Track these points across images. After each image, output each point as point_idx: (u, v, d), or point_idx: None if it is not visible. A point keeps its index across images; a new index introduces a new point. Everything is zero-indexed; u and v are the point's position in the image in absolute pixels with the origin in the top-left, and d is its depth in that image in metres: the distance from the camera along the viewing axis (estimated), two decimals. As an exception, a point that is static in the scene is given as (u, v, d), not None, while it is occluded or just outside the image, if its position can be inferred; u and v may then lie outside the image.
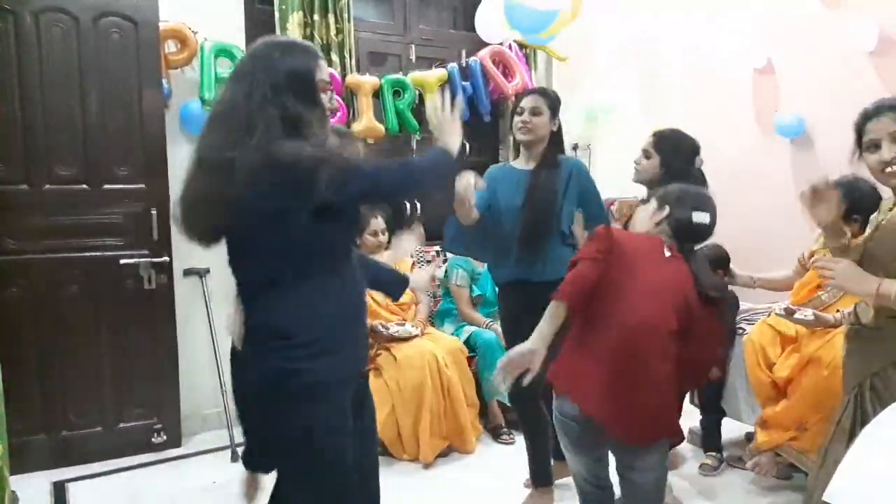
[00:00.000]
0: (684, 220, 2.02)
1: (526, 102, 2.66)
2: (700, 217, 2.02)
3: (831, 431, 2.05)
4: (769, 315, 3.12)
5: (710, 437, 3.27)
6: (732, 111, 4.16)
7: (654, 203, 2.08)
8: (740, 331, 3.21)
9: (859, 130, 1.94)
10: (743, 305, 3.47)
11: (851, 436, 1.93)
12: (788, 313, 2.84)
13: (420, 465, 3.24)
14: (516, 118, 2.67)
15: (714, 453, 3.23)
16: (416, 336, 3.47)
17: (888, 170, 1.86)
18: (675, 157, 2.64)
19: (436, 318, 3.95)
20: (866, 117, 1.92)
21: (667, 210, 2.03)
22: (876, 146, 1.88)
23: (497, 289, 2.97)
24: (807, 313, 2.81)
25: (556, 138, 2.72)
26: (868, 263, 1.89)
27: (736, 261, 3.20)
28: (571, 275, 1.89)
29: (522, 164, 2.75)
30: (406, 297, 3.40)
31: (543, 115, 2.65)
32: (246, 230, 1.57)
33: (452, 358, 3.45)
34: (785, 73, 3.92)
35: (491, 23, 4.01)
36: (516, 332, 2.57)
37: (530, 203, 2.61)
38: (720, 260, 3.31)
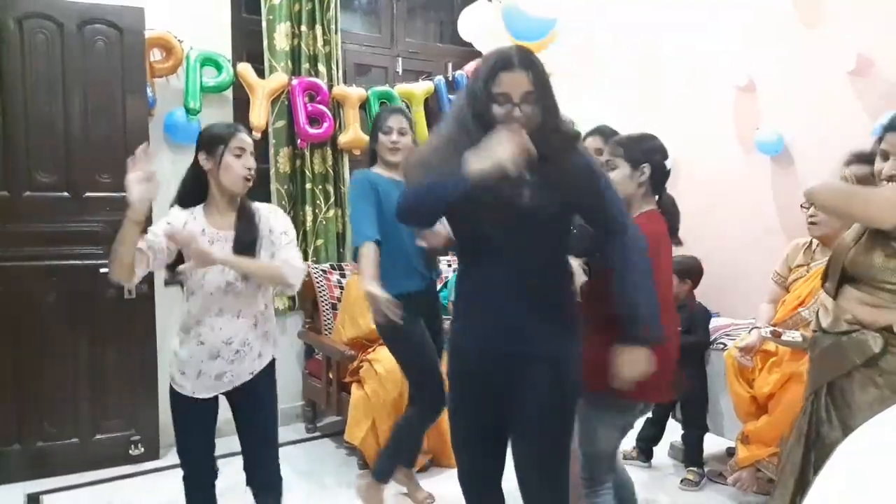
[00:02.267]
0: (662, 167, 2.16)
1: (393, 122, 2.72)
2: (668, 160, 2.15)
3: (790, 436, 2.12)
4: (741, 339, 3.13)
5: (691, 453, 3.28)
6: (714, 128, 4.21)
7: (623, 164, 2.14)
8: (721, 346, 3.24)
9: (881, 137, 2.00)
10: (724, 321, 3.50)
11: (807, 440, 2.01)
12: (775, 336, 2.87)
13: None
14: (384, 137, 2.72)
15: (695, 468, 3.24)
16: None
17: (884, 183, 1.93)
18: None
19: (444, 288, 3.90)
20: (889, 128, 1.97)
21: (648, 168, 2.12)
22: (885, 157, 1.94)
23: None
24: (794, 335, 2.84)
25: None
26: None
27: (715, 277, 3.23)
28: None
29: (387, 173, 2.75)
30: None
31: (408, 136, 2.75)
32: None
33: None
34: (766, 92, 3.97)
35: (475, 28, 4.03)
36: (416, 340, 2.69)
37: None
38: (692, 271, 3.35)
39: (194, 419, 2.22)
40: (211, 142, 2.14)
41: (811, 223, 2.90)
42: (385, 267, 2.48)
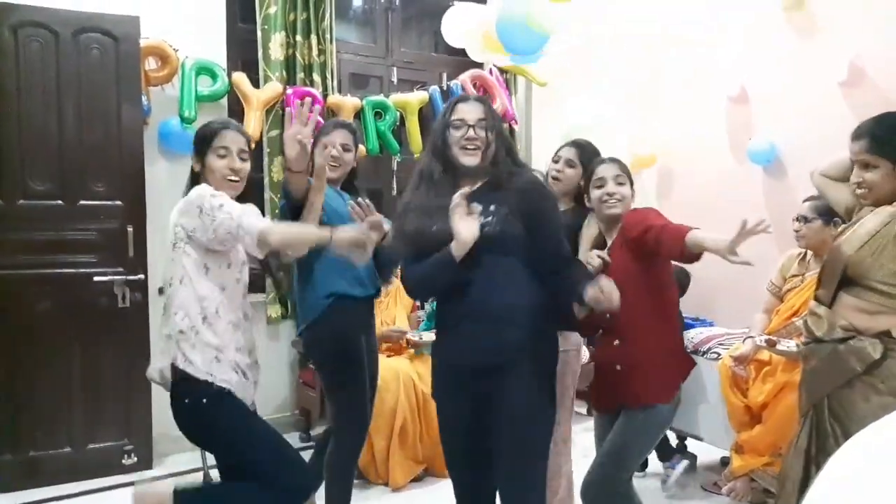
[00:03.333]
0: None
1: (337, 137, 2.54)
2: None
3: (789, 453, 2.10)
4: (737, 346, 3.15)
5: (661, 451, 3.33)
6: (706, 138, 4.23)
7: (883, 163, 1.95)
8: (714, 355, 3.24)
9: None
10: (718, 330, 3.51)
11: (808, 456, 2.00)
12: (770, 345, 2.88)
13: (396, 488, 3.21)
14: (326, 151, 2.46)
15: (667, 462, 3.32)
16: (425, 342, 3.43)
17: (857, 190, 2.00)
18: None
19: (426, 320, 3.91)
20: (852, 137, 2.01)
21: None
22: (861, 165, 1.97)
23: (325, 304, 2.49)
24: (789, 345, 2.85)
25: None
26: (858, 268, 1.94)
27: (707, 286, 3.24)
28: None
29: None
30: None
31: (351, 153, 2.59)
32: None
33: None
34: (758, 102, 4.00)
35: (455, 30, 4.03)
36: (348, 351, 2.46)
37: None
38: (680, 283, 3.37)
39: (255, 417, 2.05)
40: (197, 141, 2.04)
41: (797, 235, 3.00)
42: (326, 272, 2.40)
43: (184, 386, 1.94)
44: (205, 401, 1.92)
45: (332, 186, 2.55)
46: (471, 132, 1.88)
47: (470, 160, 1.88)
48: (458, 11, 4.03)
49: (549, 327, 1.94)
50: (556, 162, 2.57)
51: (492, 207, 1.84)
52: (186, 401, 1.94)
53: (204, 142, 2.00)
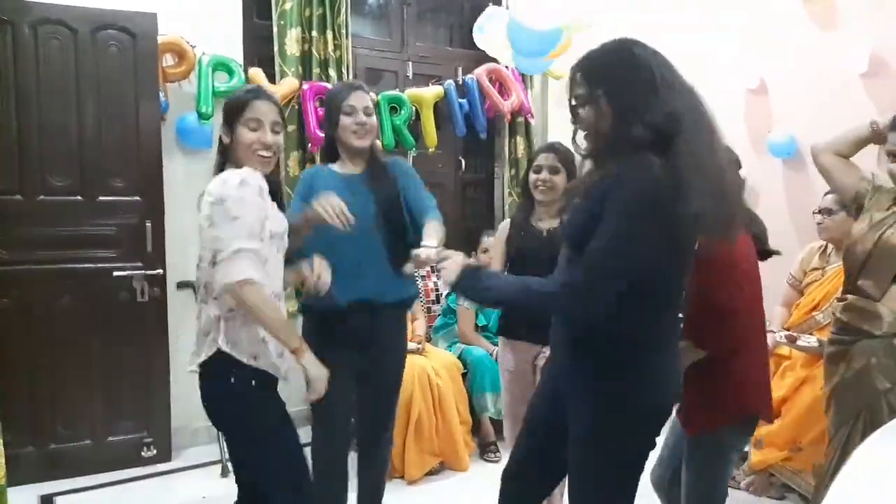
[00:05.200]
0: None
1: (356, 101, 2.27)
2: None
3: (835, 456, 2.01)
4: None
5: None
6: (725, 131, 4.15)
7: None
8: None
9: (884, 135, 1.99)
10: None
11: None
12: (790, 340, 2.85)
13: (412, 481, 3.22)
14: (346, 119, 2.26)
15: None
16: (415, 351, 3.43)
17: None
18: (573, 170, 2.39)
19: (432, 333, 3.94)
20: (890, 127, 1.96)
21: None
22: (893, 156, 1.93)
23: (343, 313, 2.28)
24: (810, 340, 2.82)
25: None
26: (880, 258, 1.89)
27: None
28: None
29: (347, 168, 2.35)
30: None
31: (373, 116, 2.32)
32: None
33: (448, 373, 3.43)
34: (778, 94, 3.95)
35: (491, 38, 4.02)
36: (356, 360, 2.29)
37: (389, 211, 2.28)
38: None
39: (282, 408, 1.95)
40: (227, 111, 1.88)
41: (820, 228, 2.94)
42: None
43: (223, 367, 1.81)
44: (243, 385, 1.81)
45: (350, 172, 2.31)
46: None
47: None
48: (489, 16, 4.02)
49: None
50: (537, 172, 2.47)
51: None
52: (223, 382, 1.82)
53: (234, 112, 1.85)
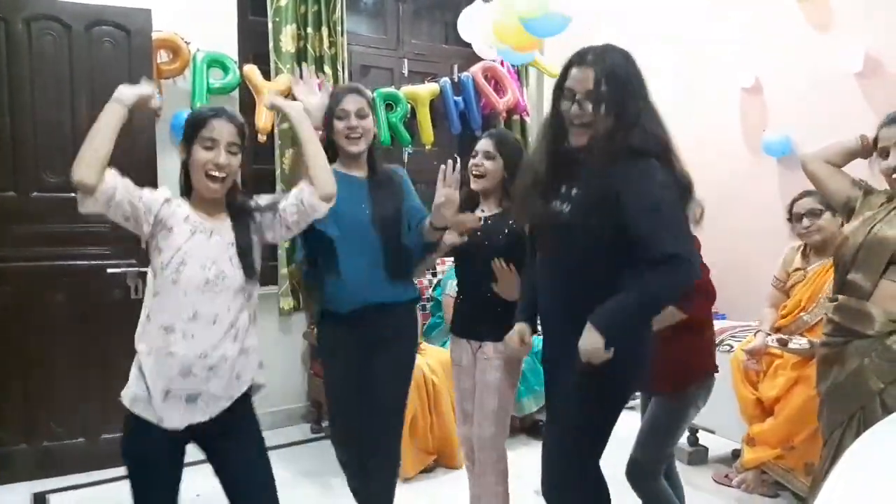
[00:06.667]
0: None
1: (349, 104, 2.27)
2: None
3: (830, 458, 2.00)
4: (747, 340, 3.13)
5: None
6: (720, 130, 4.20)
7: None
8: (727, 348, 3.23)
9: (875, 137, 1.99)
10: (728, 323, 3.49)
11: None
12: (782, 344, 2.86)
13: (406, 479, 3.22)
14: (339, 123, 2.27)
15: None
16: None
17: (894, 175, 1.94)
18: (514, 158, 2.33)
19: (424, 333, 3.94)
20: (882, 125, 1.96)
21: None
22: (886, 153, 1.93)
23: (331, 320, 2.35)
24: (801, 342, 2.82)
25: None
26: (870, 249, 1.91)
27: (721, 279, 3.20)
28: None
29: (352, 170, 2.35)
30: None
31: (368, 118, 2.31)
32: None
33: (443, 371, 3.43)
34: (773, 93, 3.96)
35: (474, 28, 3.99)
36: (366, 365, 2.29)
37: (389, 218, 2.32)
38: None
39: (158, 462, 1.87)
40: (186, 128, 1.83)
41: (810, 230, 2.91)
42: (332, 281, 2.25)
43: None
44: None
45: (348, 172, 2.32)
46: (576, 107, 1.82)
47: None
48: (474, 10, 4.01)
49: None
50: (473, 157, 2.39)
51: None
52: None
53: (192, 129, 1.81)
